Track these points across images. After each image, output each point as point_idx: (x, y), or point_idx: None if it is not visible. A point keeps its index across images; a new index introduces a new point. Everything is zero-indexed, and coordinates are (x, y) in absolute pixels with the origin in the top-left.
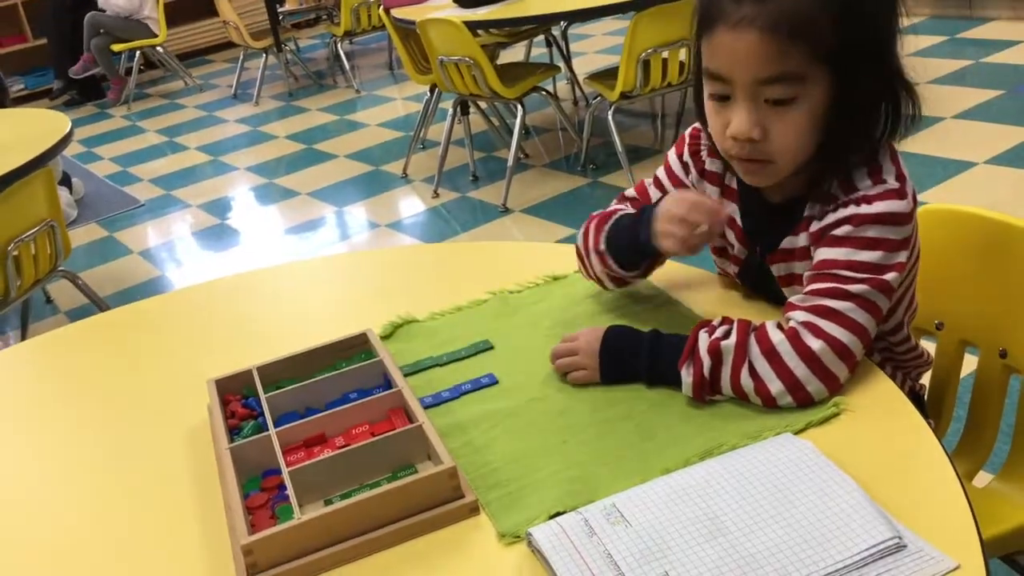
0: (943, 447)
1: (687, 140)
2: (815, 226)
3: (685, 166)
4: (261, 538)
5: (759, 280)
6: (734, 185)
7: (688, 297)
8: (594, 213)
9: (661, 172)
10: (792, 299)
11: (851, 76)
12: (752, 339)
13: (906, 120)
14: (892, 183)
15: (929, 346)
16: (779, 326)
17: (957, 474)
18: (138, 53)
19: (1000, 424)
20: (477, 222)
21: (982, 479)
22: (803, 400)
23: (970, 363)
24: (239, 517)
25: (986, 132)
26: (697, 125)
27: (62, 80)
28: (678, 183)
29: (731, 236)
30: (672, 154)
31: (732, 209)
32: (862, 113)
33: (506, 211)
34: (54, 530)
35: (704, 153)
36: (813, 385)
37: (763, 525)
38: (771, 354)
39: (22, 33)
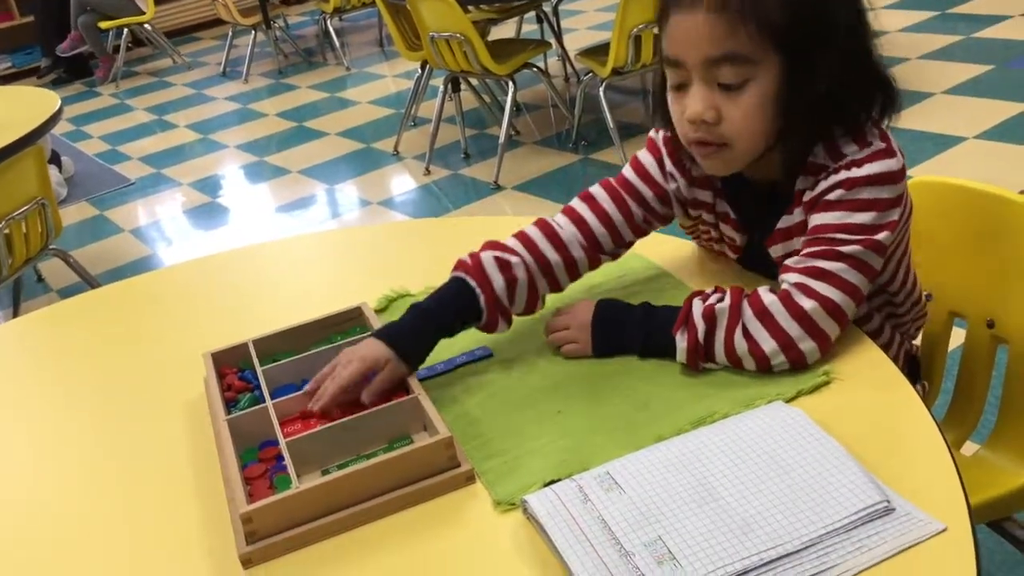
0: (932, 414)
1: (663, 150)
2: (808, 196)
3: (668, 176)
4: (260, 507)
5: (759, 263)
6: (719, 184)
7: (683, 273)
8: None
9: (632, 176)
10: (787, 261)
11: (804, 63)
12: (745, 302)
13: (882, 105)
14: (879, 143)
15: None
16: (772, 290)
17: (946, 441)
18: (126, 31)
19: (988, 394)
20: (469, 199)
21: (969, 449)
22: (796, 359)
23: (959, 337)
24: (238, 487)
25: (976, 107)
26: (667, 134)
27: (49, 58)
28: (661, 192)
29: (728, 230)
30: (646, 157)
31: (724, 206)
32: (821, 99)
33: (498, 188)
34: (53, 505)
35: (687, 162)
36: (806, 343)
37: (755, 490)
38: (764, 314)
39: (8, 11)
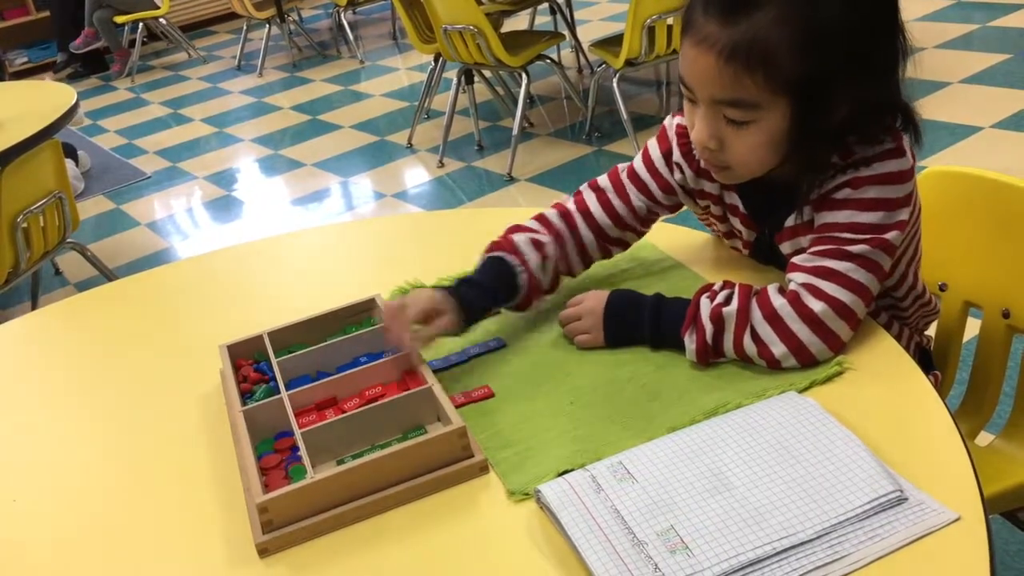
0: (945, 404)
1: (675, 139)
2: (816, 194)
3: (675, 167)
4: (276, 496)
5: (770, 258)
6: None
7: (693, 262)
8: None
9: (640, 166)
10: (795, 259)
11: (815, 104)
12: (754, 304)
13: (901, 123)
14: (888, 143)
15: None
16: (780, 290)
17: (959, 431)
18: (141, 25)
19: (1003, 385)
20: (483, 191)
21: (984, 439)
22: (807, 361)
23: (974, 328)
24: (254, 477)
25: (993, 96)
26: (682, 122)
27: (65, 53)
28: (665, 185)
29: (736, 223)
30: (655, 149)
31: (733, 198)
32: (830, 136)
33: (511, 180)
34: (70, 495)
35: (697, 152)
36: (816, 346)
37: (768, 480)
38: (773, 318)
39: (24, 6)
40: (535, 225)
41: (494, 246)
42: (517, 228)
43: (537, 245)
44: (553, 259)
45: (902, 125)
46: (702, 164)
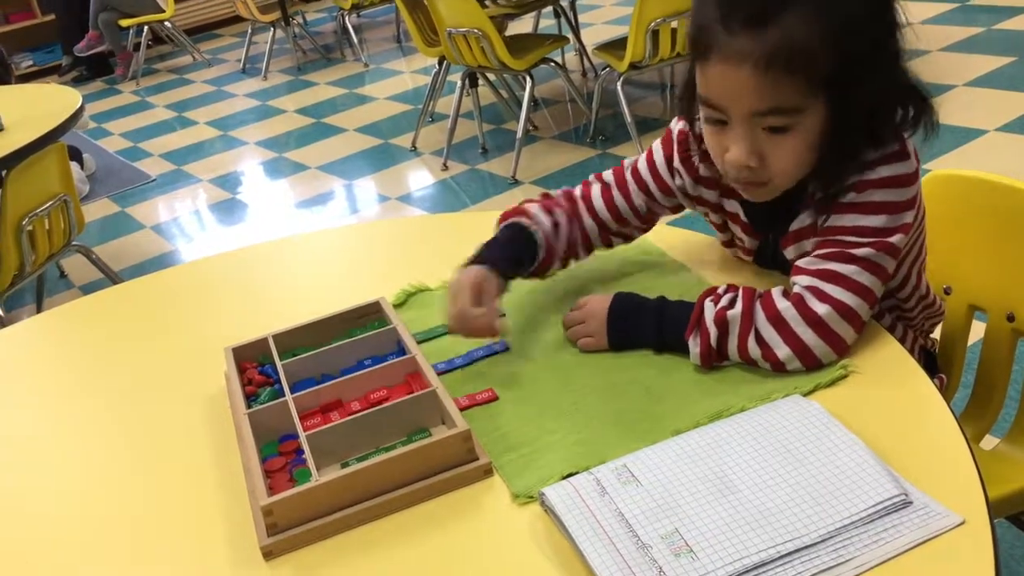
0: (950, 408)
1: (676, 144)
2: (819, 197)
3: (674, 172)
4: (281, 499)
5: (773, 265)
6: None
7: (698, 264)
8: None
9: (643, 166)
10: (799, 263)
11: (848, 97)
12: (758, 307)
13: (913, 113)
14: (892, 145)
15: None
16: (784, 292)
17: (964, 435)
18: (146, 28)
19: (1008, 388)
20: (487, 194)
21: (989, 443)
22: (811, 364)
23: (979, 331)
24: (258, 480)
25: (997, 99)
26: (684, 127)
27: (71, 56)
28: (665, 187)
29: (737, 230)
30: (659, 151)
31: (734, 206)
32: (861, 127)
33: (515, 183)
34: (76, 497)
35: (696, 159)
36: (820, 349)
37: (772, 483)
38: (777, 321)
39: (30, 9)
40: (544, 201)
41: (506, 215)
42: (527, 201)
43: (549, 212)
44: (564, 229)
45: (915, 115)
46: (723, 180)
